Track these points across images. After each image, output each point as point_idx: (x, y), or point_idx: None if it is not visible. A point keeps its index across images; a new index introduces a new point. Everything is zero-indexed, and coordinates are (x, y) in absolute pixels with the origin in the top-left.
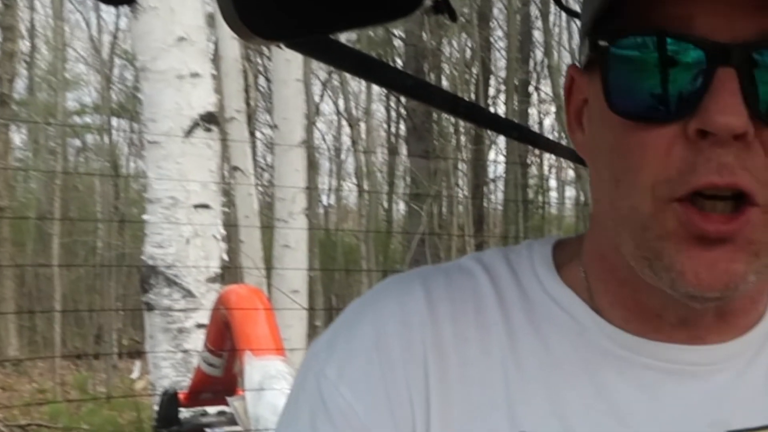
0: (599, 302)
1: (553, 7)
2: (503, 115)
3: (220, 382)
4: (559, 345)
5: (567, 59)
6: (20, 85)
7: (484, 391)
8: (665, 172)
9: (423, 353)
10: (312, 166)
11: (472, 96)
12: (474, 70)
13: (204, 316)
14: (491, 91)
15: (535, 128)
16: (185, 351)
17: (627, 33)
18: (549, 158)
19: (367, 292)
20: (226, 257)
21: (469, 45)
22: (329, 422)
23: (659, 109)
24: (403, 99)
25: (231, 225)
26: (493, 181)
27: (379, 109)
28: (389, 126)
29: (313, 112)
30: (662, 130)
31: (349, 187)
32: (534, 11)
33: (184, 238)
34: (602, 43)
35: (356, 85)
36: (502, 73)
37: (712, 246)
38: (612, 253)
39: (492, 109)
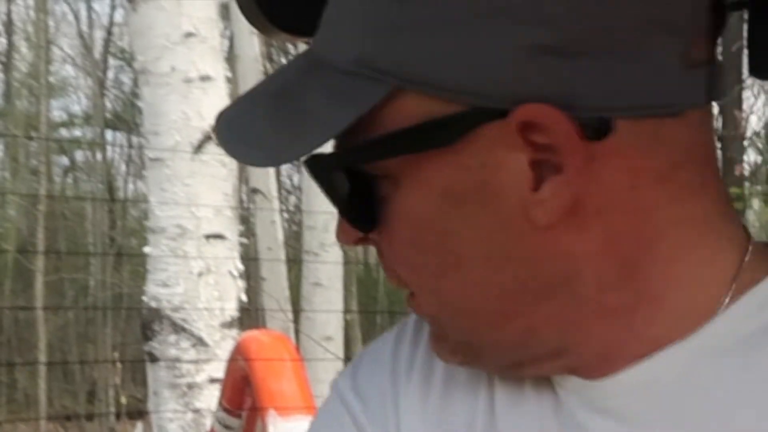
0: None
1: None
2: None
3: None
4: None
5: None
6: None
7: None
8: None
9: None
10: None
11: None
12: None
13: (218, 369)
14: None
15: None
16: (196, 410)
17: None
18: None
19: None
20: (244, 298)
21: None
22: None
23: None
24: None
25: (251, 259)
26: None
27: None
28: None
29: None
30: None
31: None
32: None
33: (193, 275)
34: None
35: None
36: None
37: None
38: None
39: None
